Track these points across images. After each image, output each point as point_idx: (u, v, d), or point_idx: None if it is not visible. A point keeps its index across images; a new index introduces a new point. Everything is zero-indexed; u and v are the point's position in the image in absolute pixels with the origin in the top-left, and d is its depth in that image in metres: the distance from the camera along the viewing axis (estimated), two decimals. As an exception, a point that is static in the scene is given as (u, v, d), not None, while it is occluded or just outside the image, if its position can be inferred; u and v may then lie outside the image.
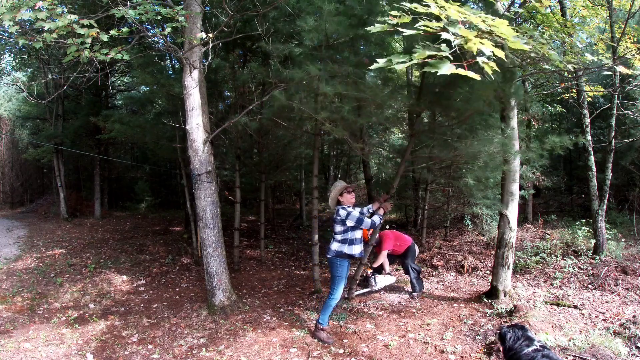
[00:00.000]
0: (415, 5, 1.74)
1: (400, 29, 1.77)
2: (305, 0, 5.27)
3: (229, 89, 7.62)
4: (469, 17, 1.64)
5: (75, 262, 6.82)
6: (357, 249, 4.04)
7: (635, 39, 5.80)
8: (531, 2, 4.43)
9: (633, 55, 4.78)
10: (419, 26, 1.66)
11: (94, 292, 5.57)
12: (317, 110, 4.79)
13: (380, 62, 1.72)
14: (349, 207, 4.04)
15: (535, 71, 4.76)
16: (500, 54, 1.57)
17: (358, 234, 4.04)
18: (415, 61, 1.59)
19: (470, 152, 4.80)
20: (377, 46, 6.64)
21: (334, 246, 4.04)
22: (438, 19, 1.69)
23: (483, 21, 1.65)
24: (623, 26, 5.01)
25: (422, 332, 4.04)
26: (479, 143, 4.81)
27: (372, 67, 1.76)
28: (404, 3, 1.89)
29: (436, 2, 1.70)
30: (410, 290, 5.34)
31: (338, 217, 4.01)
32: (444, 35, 1.58)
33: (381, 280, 5.20)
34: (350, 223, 3.96)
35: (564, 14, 6.47)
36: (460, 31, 1.57)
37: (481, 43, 1.54)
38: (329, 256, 4.08)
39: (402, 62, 1.64)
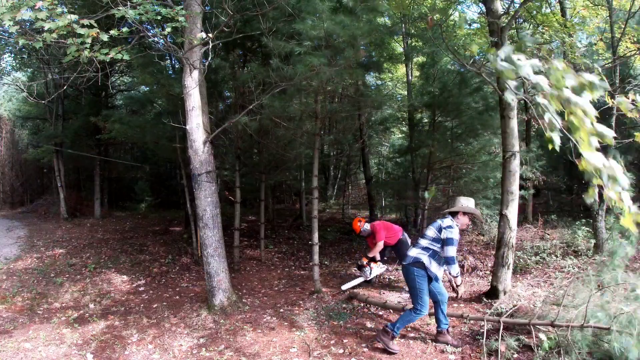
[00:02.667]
0: None
1: None
2: (305, 0, 5.28)
3: (229, 89, 7.62)
4: None
5: (75, 262, 6.81)
6: (434, 268, 3.58)
7: (635, 39, 5.79)
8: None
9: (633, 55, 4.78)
10: None
11: (94, 292, 5.57)
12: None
13: None
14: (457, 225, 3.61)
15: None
16: None
17: (453, 249, 3.54)
18: None
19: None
20: (376, 46, 6.65)
21: (414, 252, 3.63)
22: None
23: None
24: (623, 26, 5.01)
25: (422, 332, 4.04)
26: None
27: None
28: None
29: None
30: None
31: (439, 223, 3.57)
32: None
33: (375, 270, 5.32)
34: (444, 236, 3.50)
35: (564, 14, 6.47)
36: None
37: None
38: (405, 263, 3.65)
39: None
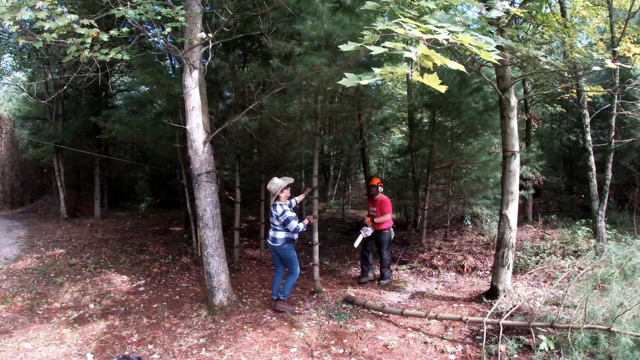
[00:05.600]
0: (384, 26, 1.94)
1: (369, 48, 1.92)
2: (305, 0, 5.27)
3: (229, 89, 7.60)
4: (433, 34, 1.80)
5: (75, 262, 6.81)
6: (296, 235, 4.78)
7: (635, 39, 5.79)
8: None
9: (633, 55, 4.77)
10: (385, 45, 1.81)
11: (94, 292, 5.57)
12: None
13: (350, 78, 1.85)
14: (284, 203, 4.70)
15: (535, 71, 4.76)
16: (459, 67, 1.74)
17: (294, 222, 4.66)
18: (378, 77, 1.78)
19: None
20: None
21: (281, 235, 4.67)
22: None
23: (446, 39, 1.83)
24: (623, 26, 5.00)
25: (422, 332, 4.04)
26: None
27: (345, 82, 1.88)
28: (374, 24, 2.06)
29: (401, 25, 1.88)
30: (379, 277, 5.93)
31: (275, 213, 4.65)
32: (406, 54, 1.72)
33: (370, 230, 5.85)
34: (282, 220, 4.62)
35: (564, 14, 6.46)
36: (421, 49, 1.70)
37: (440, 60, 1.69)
38: (278, 245, 4.69)
39: (368, 78, 1.80)
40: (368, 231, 5.84)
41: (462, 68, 1.72)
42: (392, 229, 6.01)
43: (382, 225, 5.85)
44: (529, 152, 8.49)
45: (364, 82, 1.78)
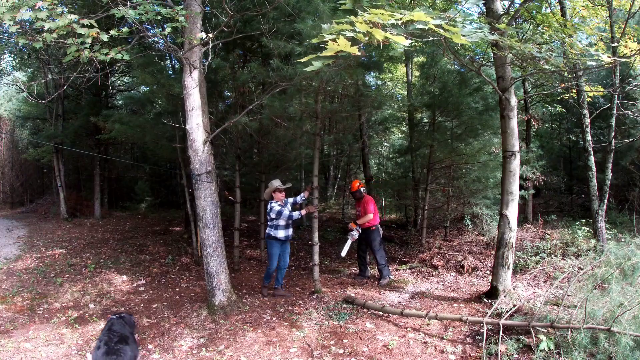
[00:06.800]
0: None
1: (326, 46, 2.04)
2: (304, 0, 5.27)
3: (229, 89, 7.60)
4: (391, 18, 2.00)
5: (75, 262, 6.82)
6: (281, 234, 5.11)
7: (635, 39, 5.79)
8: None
9: (633, 55, 4.77)
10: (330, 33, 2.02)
11: (94, 292, 5.57)
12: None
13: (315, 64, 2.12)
14: (277, 202, 5.10)
15: (535, 71, 4.76)
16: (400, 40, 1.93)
17: (282, 222, 5.08)
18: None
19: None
20: (376, 46, 6.64)
21: (267, 230, 5.18)
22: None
23: (398, 19, 2.05)
24: (623, 26, 5.00)
25: (422, 332, 4.04)
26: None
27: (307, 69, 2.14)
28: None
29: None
30: (378, 278, 5.94)
31: (267, 210, 5.13)
32: (349, 34, 1.92)
33: (356, 233, 5.96)
34: (272, 215, 5.03)
35: (564, 14, 6.47)
36: (360, 26, 1.91)
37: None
38: (265, 238, 5.28)
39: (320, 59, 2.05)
40: (354, 235, 5.93)
41: (404, 41, 1.94)
42: (379, 226, 6.07)
43: (368, 224, 5.94)
44: (529, 152, 8.49)
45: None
